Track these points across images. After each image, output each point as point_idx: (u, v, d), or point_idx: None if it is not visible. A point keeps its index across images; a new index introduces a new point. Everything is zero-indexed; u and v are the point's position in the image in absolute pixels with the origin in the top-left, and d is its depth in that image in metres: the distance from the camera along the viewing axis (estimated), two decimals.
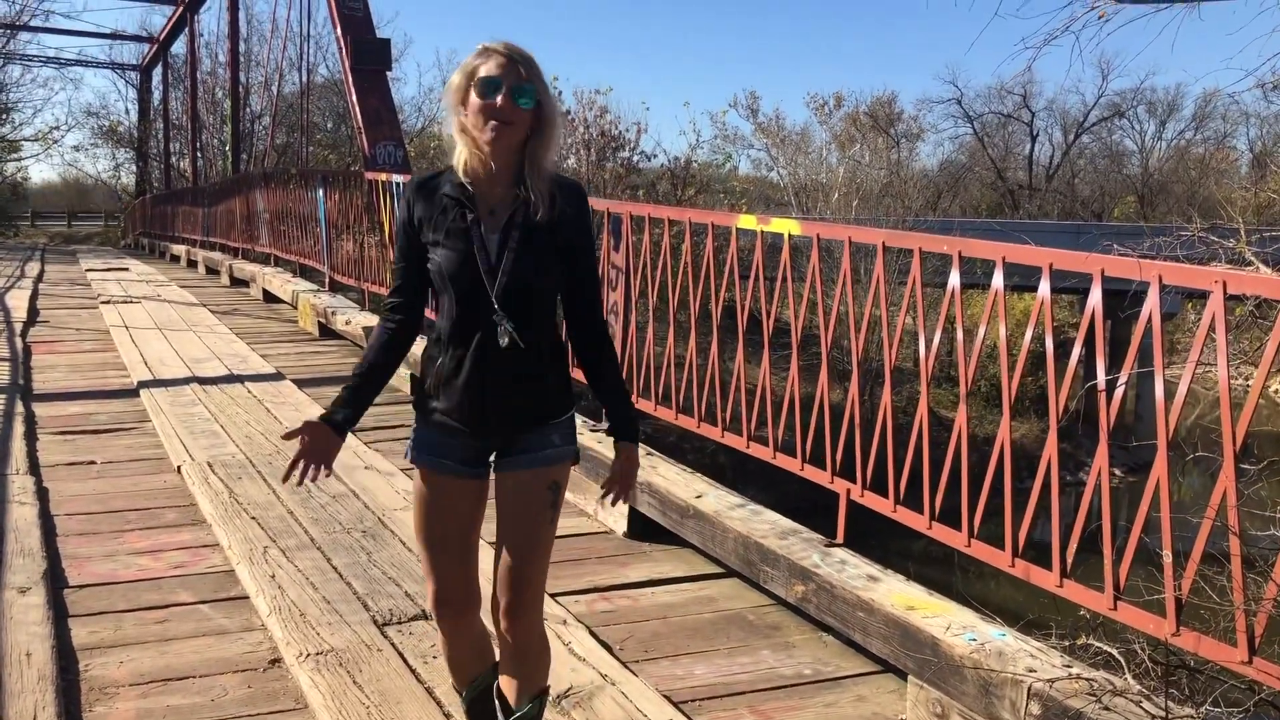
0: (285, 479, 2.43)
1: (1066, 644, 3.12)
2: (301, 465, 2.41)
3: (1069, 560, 3.17)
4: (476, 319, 2.37)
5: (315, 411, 6.89)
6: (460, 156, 2.40)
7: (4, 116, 41.94)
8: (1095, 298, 3.12)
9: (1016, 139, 47.06)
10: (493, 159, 2.36)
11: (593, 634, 3.70)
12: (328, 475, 2.48)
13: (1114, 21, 5.07)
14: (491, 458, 2.52)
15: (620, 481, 2.59)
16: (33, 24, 37.06)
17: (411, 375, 7.35)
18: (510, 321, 2.35)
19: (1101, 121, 46.47)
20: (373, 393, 2.51)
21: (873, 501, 3.91)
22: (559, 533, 2.60)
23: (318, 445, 2.43)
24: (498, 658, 2.63)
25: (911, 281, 3.83)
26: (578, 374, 2.86)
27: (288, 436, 2.44)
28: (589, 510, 5.06)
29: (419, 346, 2.62)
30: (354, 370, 2.54)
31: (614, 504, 2.63)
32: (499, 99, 2.29)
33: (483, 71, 2.31)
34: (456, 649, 2.63)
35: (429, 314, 2.56)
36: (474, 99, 2.31)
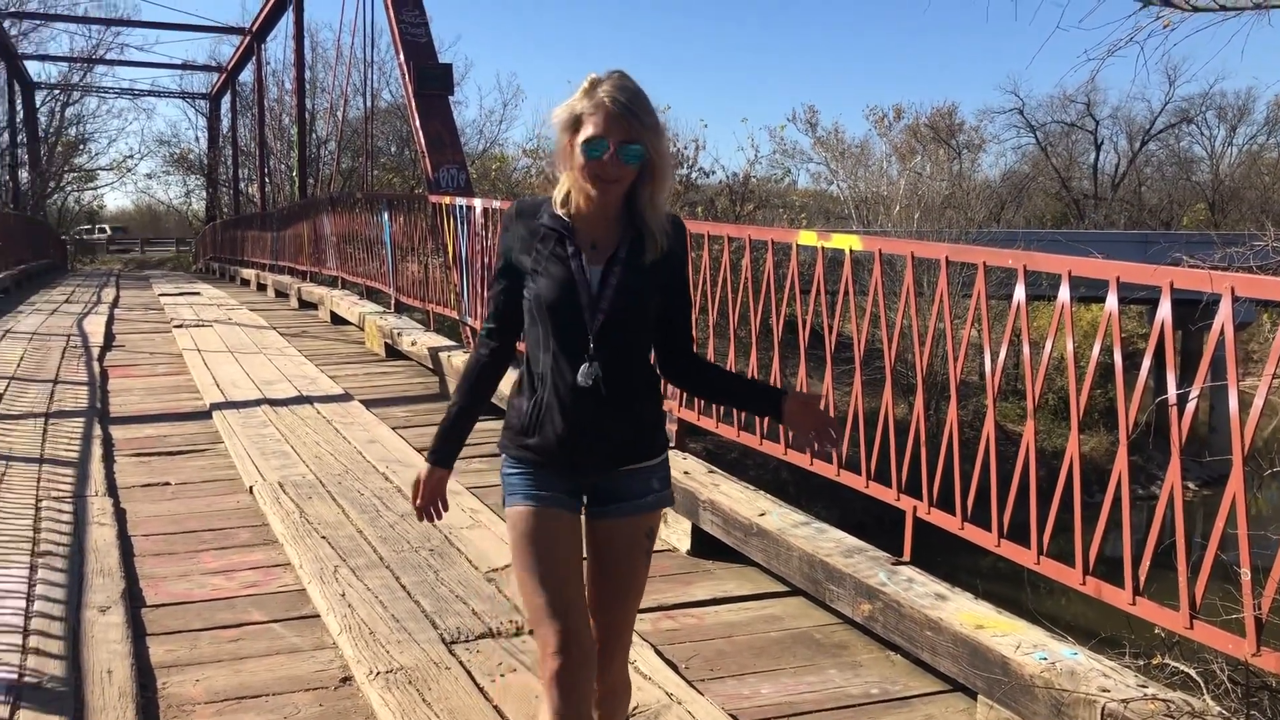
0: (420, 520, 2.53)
1: (1141, 663, 3.06)
2: (419, 510, 2.49)
3: (1142, 577, 3.11)
4: (573, 354, 2.31)
5: (383, 432, 7.01)
6: (563, 189, 2.34)
7: (81, 147, 43.31)
8: (1164, 311, 3.07)
9: (1081, 148, 46.39)
10: (598, 203, 2.31)
11: (658, 652, 3.70)
12: (445, 509, 2.51)
13: (1180, 30, 4.99)
14: (584, 499, 2.45)
15: (818, 422, 2.40)
16: (108, 57, 38.39)
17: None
18: (602, 358, 2.30)
19: (1169, 128, 45.60)
20: (470, 421, 2.49)
21: (939, 518, 3.87)
22: None
23: (429, 486, 2.47)
24: None
25: (976, 296, 3.80)
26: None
27: (414, 496, 2.49)
28: None
29: (505, 382, 2.55)
30: (450, 401, 2.52)
31: (829, 447, 2.39)
32: (605, 158, 2.23)
33: (588, 128, 2.23)
34: (579, 708, 2.30)
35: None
36: (579, 156, 2.25)
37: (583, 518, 2.45)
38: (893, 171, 30.11)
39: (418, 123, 14.01)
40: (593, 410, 2.32)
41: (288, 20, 23.88)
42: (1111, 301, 3.22)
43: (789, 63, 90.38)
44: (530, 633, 3.82)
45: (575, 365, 2.31)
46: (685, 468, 5.09)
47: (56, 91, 39.90)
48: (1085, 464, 3.37)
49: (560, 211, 2.34)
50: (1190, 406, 3.05)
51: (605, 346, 2.31)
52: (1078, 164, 46.38)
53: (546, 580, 2.32)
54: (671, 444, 5.50)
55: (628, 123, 2.23)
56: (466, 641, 3.76)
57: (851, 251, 4.41)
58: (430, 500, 2.47)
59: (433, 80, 13.95)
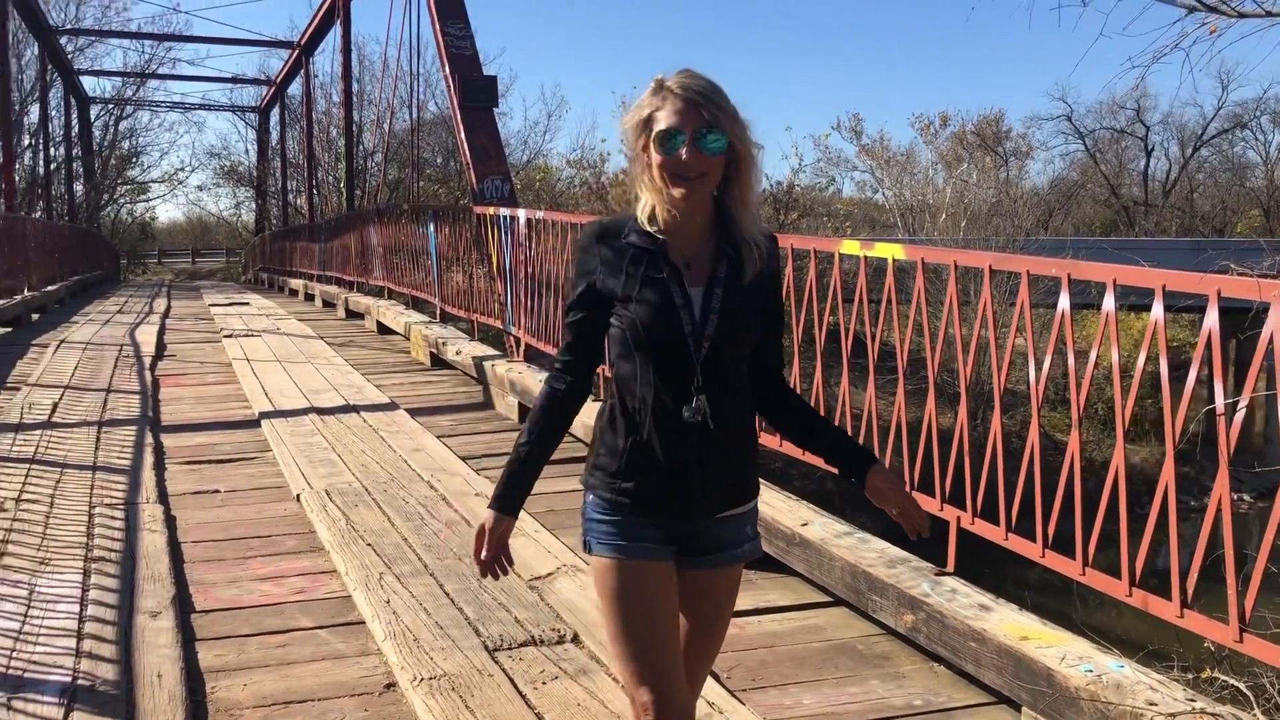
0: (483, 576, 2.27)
1: (1190, 677, 3.02)
2: (483, 565, 2.24)
3: (1190, 589, 3.07)
4: (677, 386, 2.11)
5: (428, 440, 7.06)
6: (645, 205, 2.14)
7: (134, 160, 44.18)
8: (1211, 319, 3.04)
9: (1130, 154, 45.73)
10: (685, 211, 2.12)
11: None
12: (510, 564, 2.26)
13: (1226, 36, 4.93)
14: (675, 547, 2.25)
15: (901, 503, 2.24)
16: (160, 72, 39.20)
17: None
18: (709, 389, 2.11)
19: (1222, 134, 44.84)
20: (541, 464, 2.26)
21: (983, 529, 3.84)
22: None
23: (495, 537, 2.23)
24: None
25: (1020, 305, 3.77)
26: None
27: (476, 548, 2.24)
28: None
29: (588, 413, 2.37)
30: (519, 440, 2.26)
31: (922, 535, 2.26)
32: (683, 152, 2.04)
33: (661, 122, 2.06)
34: None
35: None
36: (655, 154, 2.07)
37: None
38: (938, 179, 29.87)
39: (463, 135, 14.12)
40: (699, 447, 2.14)
41: (335, 34, 24.23)
42: (1157, 310, 3.19)
43: (833, 71, 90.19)
44: (573, 640, 3.84)
45: (680, 398, 2.11)
46: None
47: (110, 106, 40.80)
48: (1136, 474, 3.34)
49: (649, 229, 2.14)
50: (1239, 416, 3.01)
51: (712, 376, 2.12)
52: (1127, 171, 45.74)
53: (644, 644, 2.14)
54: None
55: (704, 109, 2.04)
56: (509, 649, 3.79)
57: (894, 260, 4.39)
58: (496, 553, 2.22)
59: (478, 93, 14.05)
